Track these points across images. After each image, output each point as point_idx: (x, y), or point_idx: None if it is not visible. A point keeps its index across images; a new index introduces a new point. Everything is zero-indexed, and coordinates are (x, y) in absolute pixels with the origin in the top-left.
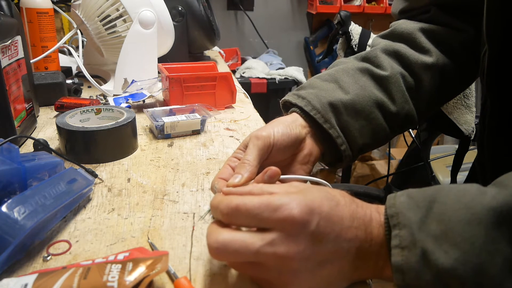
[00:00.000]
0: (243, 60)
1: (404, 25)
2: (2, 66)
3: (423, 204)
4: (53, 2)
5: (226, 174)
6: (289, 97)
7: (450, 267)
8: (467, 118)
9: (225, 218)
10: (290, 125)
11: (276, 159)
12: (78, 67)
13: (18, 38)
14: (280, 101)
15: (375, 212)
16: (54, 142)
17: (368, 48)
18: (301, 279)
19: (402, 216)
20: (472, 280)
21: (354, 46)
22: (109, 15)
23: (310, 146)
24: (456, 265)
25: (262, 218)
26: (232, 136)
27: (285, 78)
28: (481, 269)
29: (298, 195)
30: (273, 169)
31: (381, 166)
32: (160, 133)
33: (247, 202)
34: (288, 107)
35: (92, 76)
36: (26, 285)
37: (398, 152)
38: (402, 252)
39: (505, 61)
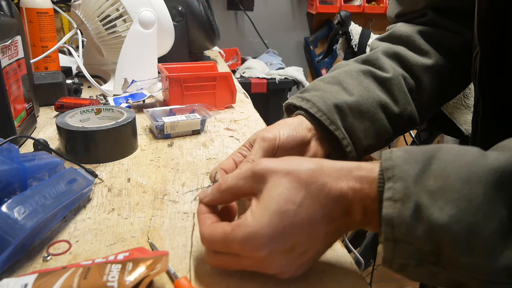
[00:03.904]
0: (243, 60)
1: (402, 28)
2: (2, 66)
3: (421, 160)
4: (53, 2)
5: (227, 166)
6: (293, 100)
7: (444, 223)
8: (467, 118)
9: (206, 247)
10: (296, 127)
11: None
12: (78, 67)
13: (18, 38)
14: (284, 104)
15: (364, 177)
16: (54, 142)
17: (367, 49)
18: (290, 269)
19: (398, 169)
20: (464, 239)
21: (354, 46)
22: (109, 15)
23: (314, 148)
24: (451, 222)
25: (232, 251)
26: (232, 136)
27: (285, 78)
28: (475, 229)
29: (257, 223)
30: None
31: None
32: (160, 133)
33: (214, 238)
34: (292, 110)
35: (92, 76)
36: (26, 285)
37: None
38: (395, 204)
39: (496, 62)
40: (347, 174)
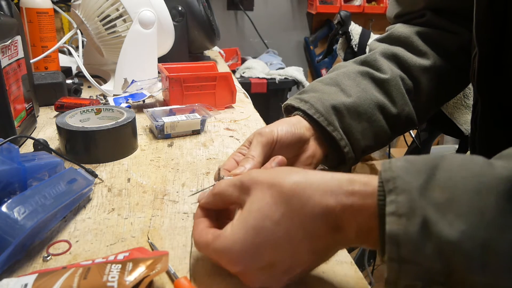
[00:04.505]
0: (243, 60)
1: (401, 29)
2: (2, 66)
3: (425, 169)
4: (53, 2)
5: (230, 166)
6: (291, 101)
7: (456, 240)
8: (467, 118)
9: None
10: (295, 125)
11: None
12: (78, 67)
13: (18, 38)
14: (282, 105)
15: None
16: (54, 142)
17: (367, 49)
18: (277, 283)
19: (400, 180)
20: (478, 257)
21: (354, 46)
22: (109, 15)
23: (313, 148)
24: (462, 239)
25: (213, 259)
26: (232, 136)
27: (285, 78)
28: (489, 245)
29: (232, 237)
30: (280, 157)
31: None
32: (160, 133)
33: (199, 244)
34: (291, 111)
35: (92, 76)
36: (26, 285)
37: (398, 152)
38: (399, 220)
39: (494, 63)
40: (336, 189)
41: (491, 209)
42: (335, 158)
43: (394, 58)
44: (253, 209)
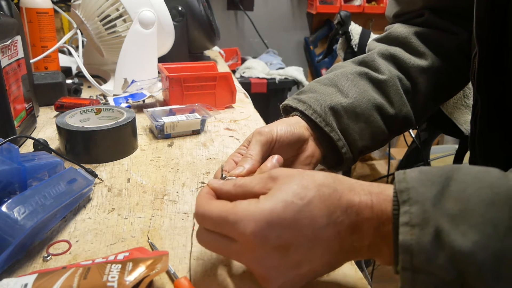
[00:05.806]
0: (243, 60)
1: (399, 29)
2: (2, 66)
3: (439, 181)
4: (53, 2)
5: (229, 167)
6: (289, 101)
7: (468, 251)
8: (467, 118)
9: (197, 221)
10: (294, 124)
11: None
12: (78, 67)
13: (18, 38)
14: (281, 106)
15: (377, 194)
16: (54, 142)
17: (367, 49)
18: (279, 277)
19: (414, 191)
20: (491, 269)
21: (354, 46)
22: (109, 15)
23: (312, 148)
24: (475, 249)
25: (223, 230)
26: (232, 136)
27: (285, 78)
28: (502, 257)
29: (258, 205)
30: (277, 156)
31: (381, 166)
32: (160, 133)
33: (209, 213)
34: (289, 111)
35: (92, 76)
36: (26, 285)
37: (398, 152)
38: (412, 230)
39: (494, 62)
40: (360, 190)
41: (506, 221)
42: (333, 159)
43: (392, 59)
44: (284, 187)
